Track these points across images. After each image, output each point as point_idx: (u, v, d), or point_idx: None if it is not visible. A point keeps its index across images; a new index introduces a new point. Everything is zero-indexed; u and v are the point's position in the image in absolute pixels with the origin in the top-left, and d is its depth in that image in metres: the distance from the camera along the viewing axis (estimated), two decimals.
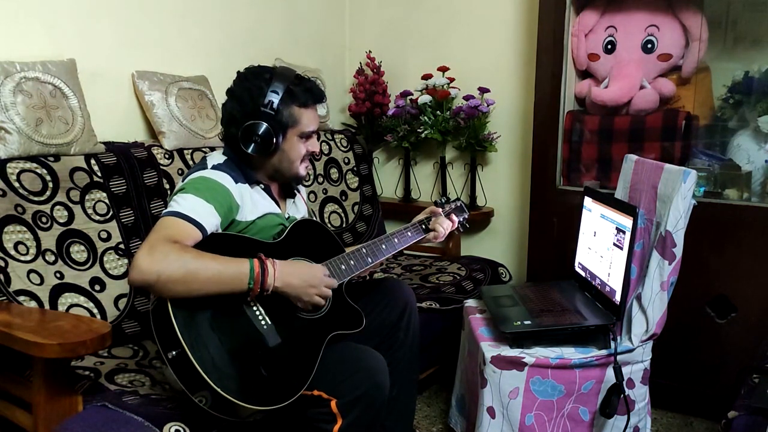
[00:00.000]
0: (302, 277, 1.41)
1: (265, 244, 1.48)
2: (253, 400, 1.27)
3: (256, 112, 1.48)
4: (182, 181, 1.47)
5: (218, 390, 1.22)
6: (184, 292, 1.26)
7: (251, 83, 1.51)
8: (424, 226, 1.79)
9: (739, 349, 1.98)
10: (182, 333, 1.24)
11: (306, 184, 2.43)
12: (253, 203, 1.53)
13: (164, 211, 1.37)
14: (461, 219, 1.89)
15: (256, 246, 1.46)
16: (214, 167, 1.49)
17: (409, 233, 1.75)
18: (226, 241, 1.42)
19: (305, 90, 1.53)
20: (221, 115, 1.57)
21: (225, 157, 1.53)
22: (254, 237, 1.49)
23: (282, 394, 1.32)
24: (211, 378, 1.23)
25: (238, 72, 1.56)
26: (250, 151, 1.49)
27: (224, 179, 1.46)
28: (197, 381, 1.23)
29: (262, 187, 1.57)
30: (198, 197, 1.39)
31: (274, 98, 1.48)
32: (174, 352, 1.24)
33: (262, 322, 1.38)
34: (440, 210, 1.84)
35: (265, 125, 1.48)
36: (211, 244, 1.36)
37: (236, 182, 1.49)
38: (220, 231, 1.44)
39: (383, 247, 1.66)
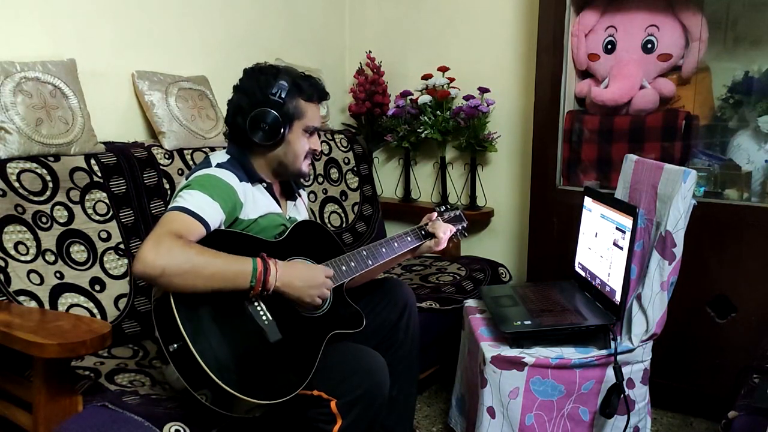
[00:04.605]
0: (303, 278, 1.42)
1: (267, 243, 1.49)
2: (253, 394, 1.27)
3: (265, 101, 1.50)
4: (186, 179, 1.48)
5: (219, 382, 1.23)
6: (186, 286, 1.27)
7: (259, 76, 1.53)
8: (423, 232, 1.80)
9: (739, 349, 1.98)
10: (184, 326, 1.25)
11: (306, 184, 2.43)
12: (255, 202, 1.53)
13: (170, 206, 1.38)
14: (460, 227, 1.90)
15: (259, 244, 1.46)
16: (218, 165, 1.50)
17: (409, 238, 1.76)
18: (229, 239, 1.42)
19: (311, 85, 1.57)
20: (226, 110, 1.58)
21: (228, 156, 1.54)
22: (256, 236, 1.49)
23: (281, 389, 1.32)
24: (211, 370, 1.23)
25: (245, 69, 1.58)
26: (257, 139, 1.50)
27: (229, 177, 1.47)
28: (198, 374, 1.24)
29: (265, 185, 1.58)
30: (204, 194, 1.40)
31: (282, 89, 1.50)
32: (175, 345, 1.25)
33: (263, 318, 1.38)
34: (435, 214, 1.87)
35: (273, 113, 1.50)
36: (214, 240, 1.36)
37: (240, 180, 1.50)
38: (223, 228, 1.44)
39: (383, 250, 1.67)
